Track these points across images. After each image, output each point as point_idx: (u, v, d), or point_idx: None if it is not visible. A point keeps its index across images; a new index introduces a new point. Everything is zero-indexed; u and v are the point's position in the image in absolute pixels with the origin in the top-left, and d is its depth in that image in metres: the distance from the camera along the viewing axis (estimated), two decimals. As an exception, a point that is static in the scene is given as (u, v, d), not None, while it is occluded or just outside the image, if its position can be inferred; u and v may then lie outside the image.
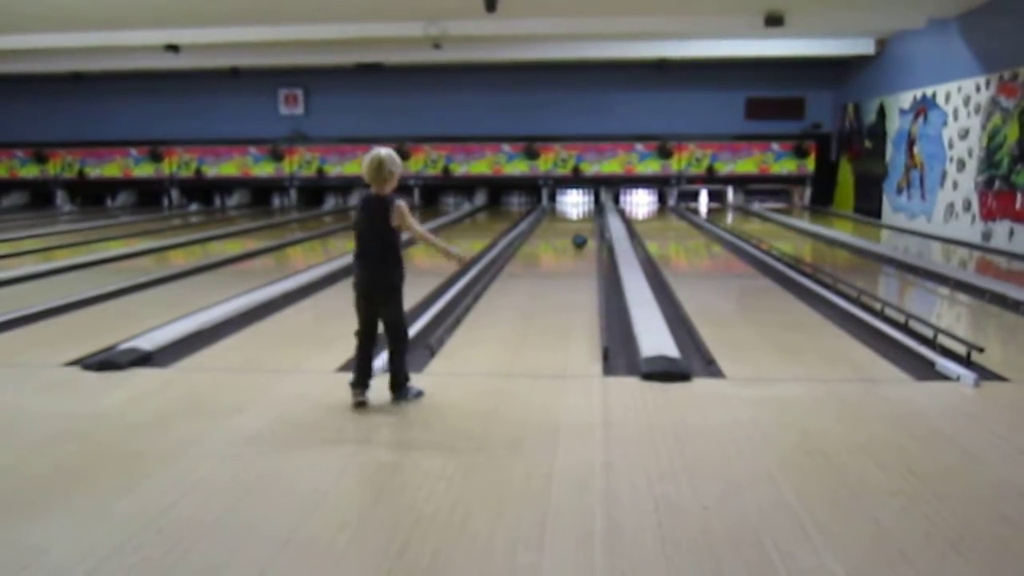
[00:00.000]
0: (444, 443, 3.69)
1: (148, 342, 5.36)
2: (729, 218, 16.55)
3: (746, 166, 18.87)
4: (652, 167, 19.11)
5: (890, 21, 13.52)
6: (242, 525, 2.91)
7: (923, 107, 13.50)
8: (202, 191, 20.51)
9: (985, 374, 4.74)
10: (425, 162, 19.51)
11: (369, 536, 2.84)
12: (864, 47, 15.71)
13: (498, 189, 19.91)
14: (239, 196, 20.53)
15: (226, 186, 20.46)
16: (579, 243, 10.95)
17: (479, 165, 19.45)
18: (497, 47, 15.87)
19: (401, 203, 4.22)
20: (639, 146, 19.08)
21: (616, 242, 11.05)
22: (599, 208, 18.36)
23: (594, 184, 19.48)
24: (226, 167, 20.07)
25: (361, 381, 4.23)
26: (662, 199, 19.51)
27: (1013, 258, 10.00)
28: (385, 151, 4.20)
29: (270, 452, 3.62)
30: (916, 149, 13.84)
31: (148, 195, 20.64)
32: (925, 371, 4.86)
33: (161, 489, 3.20)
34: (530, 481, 3.25)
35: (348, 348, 5.31)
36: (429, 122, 19.45)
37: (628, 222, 14.96)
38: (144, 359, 5.08)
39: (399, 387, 4.28)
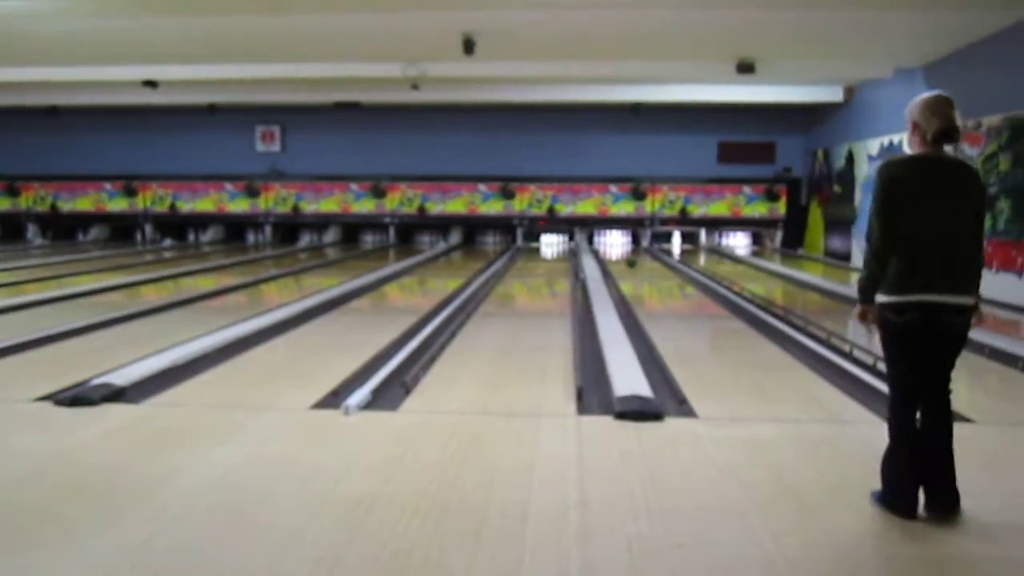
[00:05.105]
0: (420, 481, 3.70)
1: (121, 378, 5.33)
2: (702, 260, 16.73)
3: (719, 209, 19.12)
4: (626, 209, 19.32)
5: (858, 70, 13.88)
6: (217, 562, 2.90)
7: (891, 154, 13.81)
8: (176, 226, 20.43)
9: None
10: (401, 200, 19.59)
11: (345, 573, 2.84)
12: (833, 95, 16.07)
13: (473, 228, 20.03)
14: (213, 232, 20.47)
15: (201, 222, 20.40)
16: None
17: (455, 204, 19.56)
18: (474, 89, 16.04)
19: None
20: (613, 188, 19.30)
21: (590, 282, 11.14)
22: (574, 248, 18.50)
23: (569, 225, 19.66)
24: (201, 203, 20.03)
25: None
26: (636, 240, 19.70)
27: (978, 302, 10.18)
28: None
29: (245, 489, 3.61)
30: (884, 194, 14.12)
31: (121, 230, 20.51)
32: (893, 412, 4.94)
33: (134, 526, 3.18)
34: (505, 520, 3.27)
35: (323, 385, 5.35)
36: (405, 161, 19.56)
37: (602, 262, 15.08)
38: (117, 395, 5.05)
39: None
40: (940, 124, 3.19)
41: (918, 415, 3.36)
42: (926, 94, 3.30)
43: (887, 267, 3.23)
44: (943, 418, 3.36)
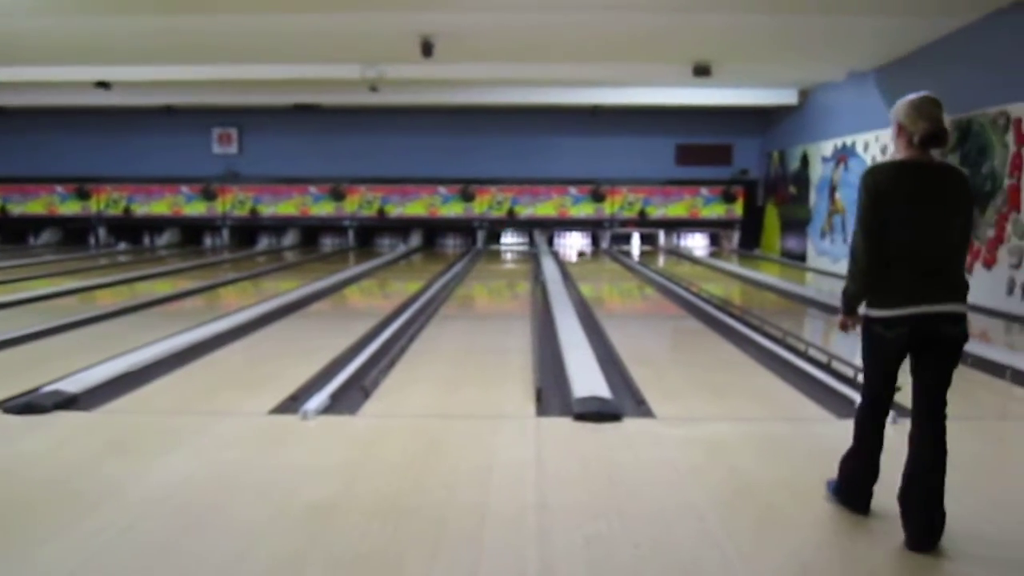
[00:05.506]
0: (379, 483, 3.69)
1: (73, 384, 5.23)
2: (661, 261, 16.86)
3: (677, 210, 19.29)
4: (586, 210, 19.41)
5: (812, 73, 14.11)
6: (175, 569, 2.87)
7: (844, 155, 14.03)
8: (131, 230, 20.09)
9: (903, 412, 4.89)
10: (360, 203, 19.48)
11: (302, 579, 2.82)
12: (788, 97, 16.30)
13: (433, 231, 19.97)
14: (169, 235, 20.18)
15: (156, 225, 20.10)
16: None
17: (415, 207, 19.50)
18: (433, 91, 16.01)
19: None
20: (573, 190, 19.38)
21: (550, 284, 11.17)
22: (534, 250, 18.52)
23: (529, 227, 19.70)
24: (157, 206, 19.72)
25: None
26: (595, 242, 19.80)
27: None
28: None
29: (202, 495, 3.57)
30: (838, 195, 14.36)
31: (74, 233, 20.14)
32: (847, 409, 5.01)
33: (85, 536, 3.13)
34: (464, 521, 3.27)
35: (281, 390, 5.30)
36: (365, 163, 19.44)
37: (562, 264, 15.13)
38: (69, 402, 4.96)
39: None
40: (927, 127, 3.00)
41: (905, 427, 3.27)
42: (912, 95, 3.10)
43: (873, 279, 3.09)
44: (937, 452, 3.08)
